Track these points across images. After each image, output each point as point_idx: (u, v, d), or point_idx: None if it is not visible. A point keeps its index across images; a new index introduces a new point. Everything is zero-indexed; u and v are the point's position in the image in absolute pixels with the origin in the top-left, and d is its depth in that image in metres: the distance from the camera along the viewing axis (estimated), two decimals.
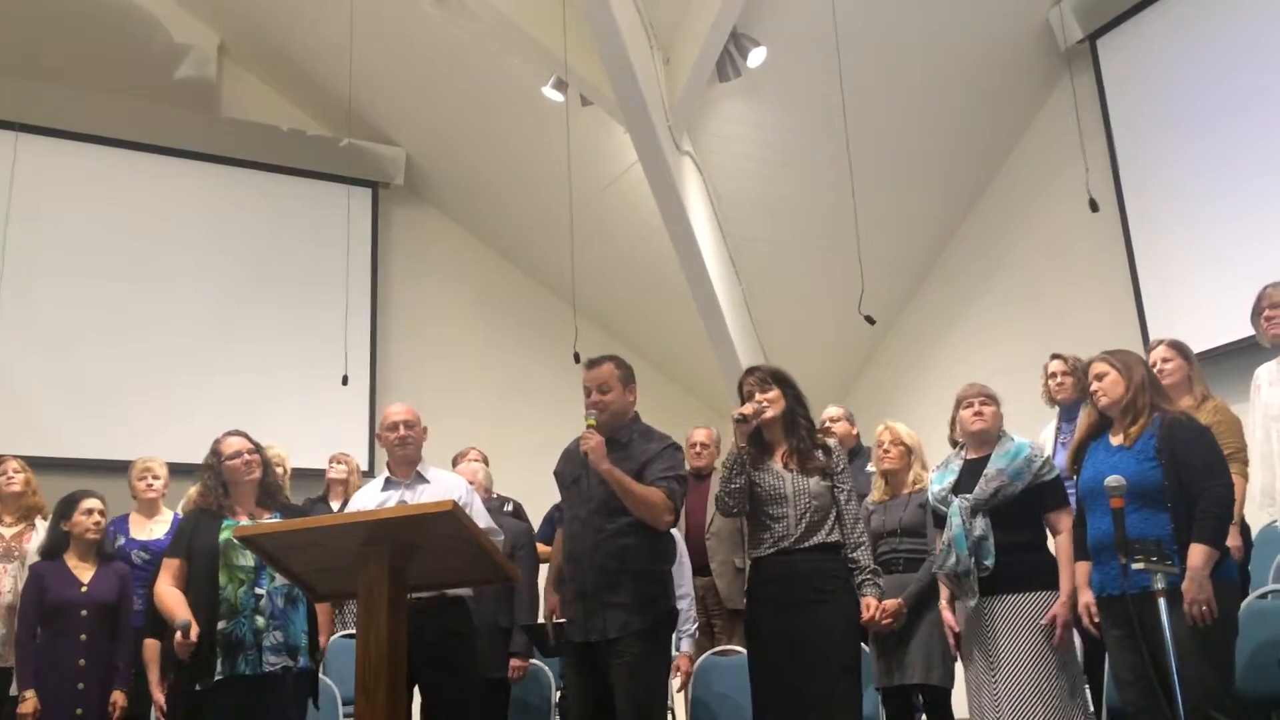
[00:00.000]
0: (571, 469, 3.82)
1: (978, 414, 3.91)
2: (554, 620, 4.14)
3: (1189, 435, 3.38)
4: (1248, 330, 4.54)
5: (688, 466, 5.38)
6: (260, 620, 3.70)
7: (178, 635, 3.63)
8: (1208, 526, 3.24)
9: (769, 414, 3.65)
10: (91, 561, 4.58)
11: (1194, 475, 3.30)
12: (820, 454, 3.65)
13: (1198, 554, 3.18)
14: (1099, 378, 3.56)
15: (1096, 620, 3.50)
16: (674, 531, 3.99)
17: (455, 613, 4.04)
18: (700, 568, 5.17)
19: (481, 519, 4.11)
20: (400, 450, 4.16)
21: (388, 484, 4.20)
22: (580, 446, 3.65)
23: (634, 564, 3.60)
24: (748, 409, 3.63)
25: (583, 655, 3.63)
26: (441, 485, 4.17)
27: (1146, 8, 6.81)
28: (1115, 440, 3.50)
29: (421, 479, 4.18)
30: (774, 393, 3.67)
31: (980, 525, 3.73)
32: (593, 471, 3.65)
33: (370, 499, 4.18)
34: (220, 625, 3.67)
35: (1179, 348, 4.32)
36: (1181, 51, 6.61)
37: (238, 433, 4.03)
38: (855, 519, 3.63)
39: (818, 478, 3.59)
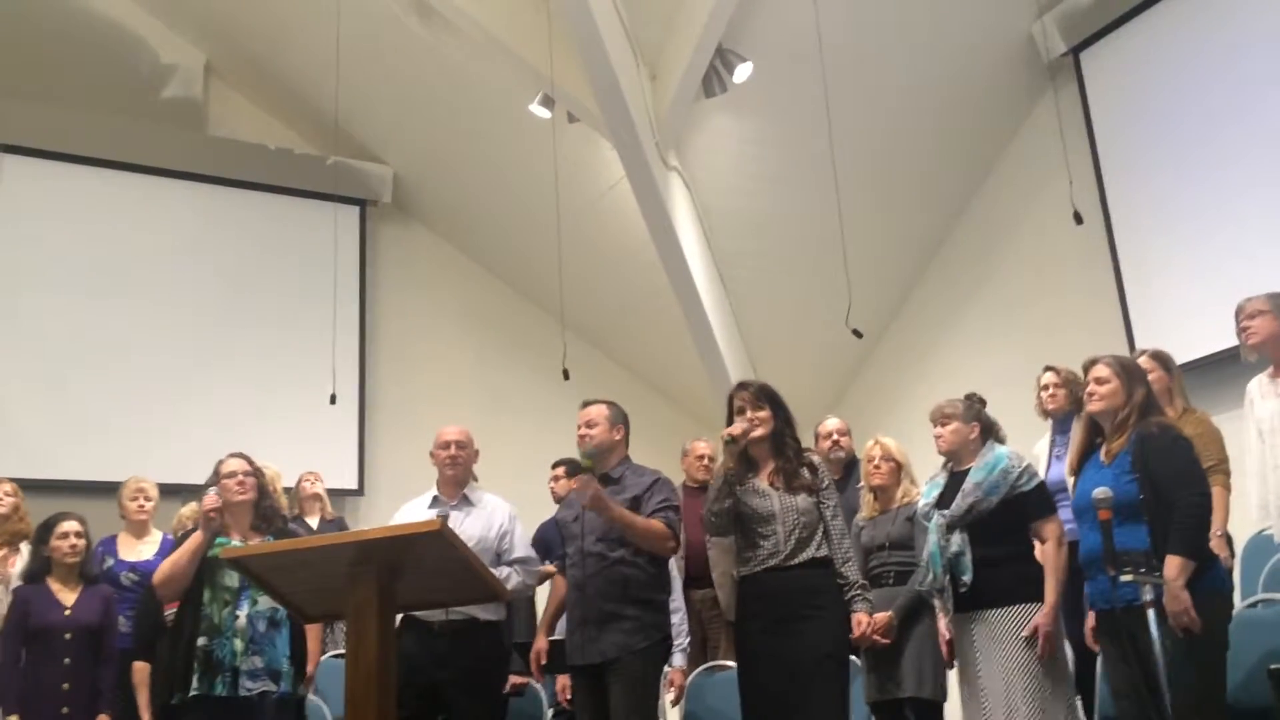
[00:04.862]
0: (570, 511, 3.99)
1: (937, 435, 3.94)
2: (541, 661, 4.24)
3: (1161, 446, 3.35)
4: (1234, 341, 4.55)
5: (685, 477, 5.48)
6: (239, 644, 3.69)
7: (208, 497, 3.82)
8: (1181, 537, 3.22)
9: (758, 433, 3.67)
10: (75, 584, 4.56)
11: (1168, 485, 3.29)
12: (806, 472, 3.66)
13: (1172, 565, 3.16)
14: (1099, 381, 3.51)
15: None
16: (671, 563, 4.15)
17: (490, 637, 4.04)
18: (702, 579, 5.18)
19: (521, 546, 4.14)
20: (450, 470, 4.16)
21: (435, 502, 4.19)
22: (578, 500, 3.81)
23: (636, 592, 3.77)
24: (736, 430, 3.64)
25: (589, 676, 3.78)
26: (487, 508, 4.17)
27: (1129, 21, 6.85)
28: (1104, 457, 3.50)
29: (467, 501, 4.16)
30: (765, 412, 3.69)
31: (956, 541, 3.71)
32: None
33: (419, 516, 4.12)
34: (200, 642, 3.69)
35: (1161, 359, 4.33)
36: (1165, 64, 6.66)
37: (239, 455, 4.06)
38: (842, 534, 3.65)
39: (804, 494, 3.61)
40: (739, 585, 3.73)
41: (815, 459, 3.75)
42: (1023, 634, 3.58)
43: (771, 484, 3.65)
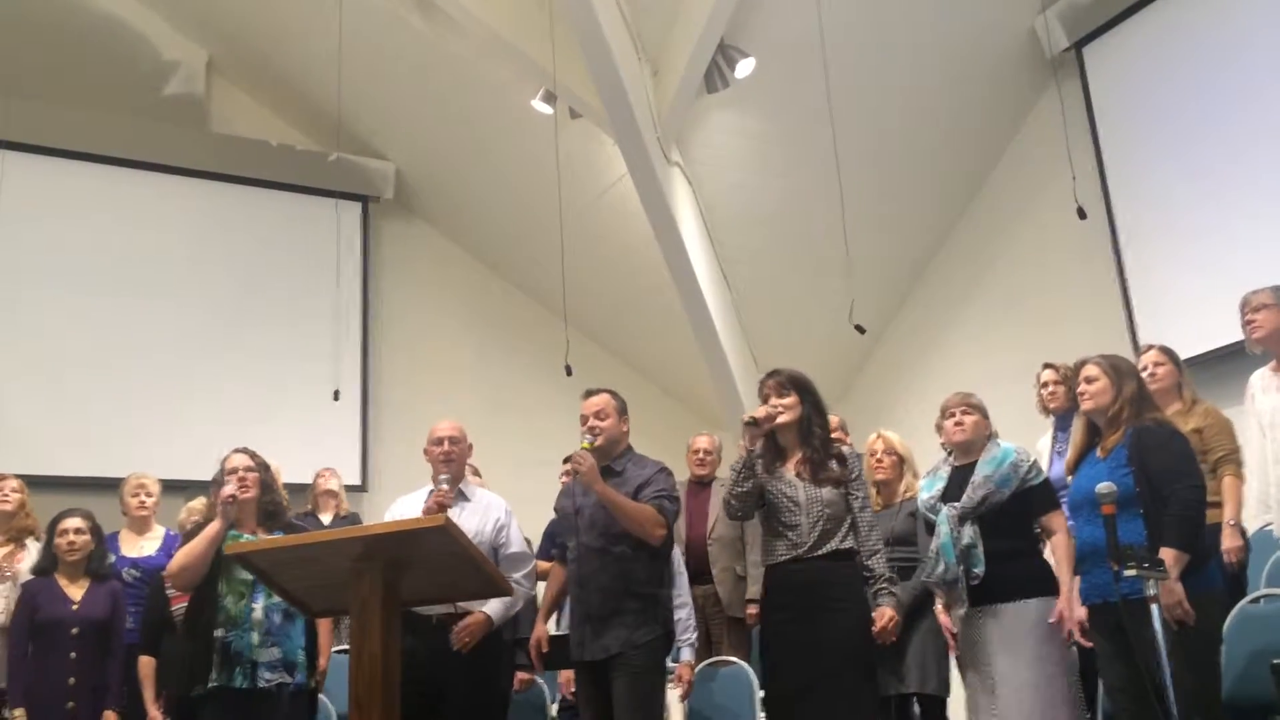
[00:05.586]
0: (570, 501, 3.97)
1: (958, 424, 3.92)
2: (542, 650, 4.23)
3: (1155, 441, 3.38)
4: (1235, 336, 4.56)
5: (689, 473, 5.48)
6: (255, 636, 3.70)
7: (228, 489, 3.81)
8: (1174, 529, 3.24)
9: (783, 419, 3.64)
10: (83, 580, 4.56)
11: (1161, 480, 3.31)
12: (835, 463, 3.63)
13: (1166, 558, 3.15)
14: (1089, 380, 3.55)
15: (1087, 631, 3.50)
16: (676, 555, 4.13)
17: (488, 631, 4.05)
18: (702, 575, 5.17)
19: (517, 541, 4.16)
20: (444, 466, 4.17)
21: (430, 497, 4.19)
22: (571, 467, 3.77)
23: (637, 586, 3.73)
24: (759, 413, 3.62)
25: (592, 672, 3.76)
26: (482, 503, 4.19)
27: (1132, 15, 6.84)
28: (1099, 452, 3.52)
29: (463, 496, 4.17)
30: (791, 399, 3.66)
31: (968, 533, 3.72)
32: (591, 499, 3.78)
33: (414, 510, 4.16)
34: (218, 633, 3.70)
35: (1169, 353, 4.36)
36: (1168, 59, 6.65)
37: (243, 450, 4.06)
38: (870, 527, 3.61)
39: (830, 486, 3.58)
40: (765, 575, 3.70)
41: (845, 450, 3.71)
42: (1049, 620, 3.58)
43: (798, 474, 3.61)
